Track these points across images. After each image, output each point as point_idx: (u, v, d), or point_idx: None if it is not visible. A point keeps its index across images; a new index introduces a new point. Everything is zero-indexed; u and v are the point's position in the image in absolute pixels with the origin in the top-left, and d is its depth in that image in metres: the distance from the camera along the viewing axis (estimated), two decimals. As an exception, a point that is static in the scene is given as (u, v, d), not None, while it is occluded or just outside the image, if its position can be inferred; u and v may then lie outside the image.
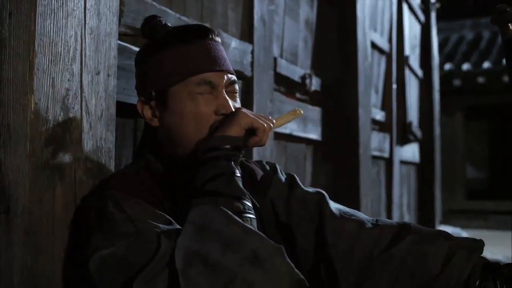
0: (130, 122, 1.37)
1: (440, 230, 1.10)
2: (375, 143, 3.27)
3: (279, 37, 2.33)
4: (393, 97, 3.76)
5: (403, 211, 4.22)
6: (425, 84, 4.96)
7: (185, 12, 1.61)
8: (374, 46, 3.36)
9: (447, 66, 7.78)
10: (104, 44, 1.09)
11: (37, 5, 0.93)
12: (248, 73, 1.91)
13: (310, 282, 1.09)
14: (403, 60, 4.05)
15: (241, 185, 0.93)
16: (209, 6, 1.75)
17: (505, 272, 0.99)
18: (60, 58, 0.98)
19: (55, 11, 0.97)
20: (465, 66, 7.72)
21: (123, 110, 1.21)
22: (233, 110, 1.00)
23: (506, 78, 5.95)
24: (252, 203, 0.95)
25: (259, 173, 1.18)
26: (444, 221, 5.68)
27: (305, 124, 2.49)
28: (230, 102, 1.01)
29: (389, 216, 3.64)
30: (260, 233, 0.82)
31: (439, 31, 6.10)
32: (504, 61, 1.13)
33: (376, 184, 3.43)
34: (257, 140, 0.96)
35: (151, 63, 1.03)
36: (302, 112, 1.09)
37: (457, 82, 7.74)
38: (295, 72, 2.42)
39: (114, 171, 1.12)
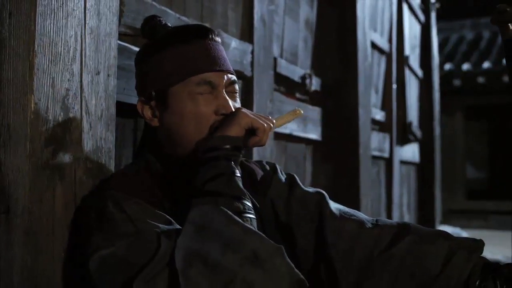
0: (130, 122, 1.37)
1: (440, 230, 1.10)
2: (375, 143, 3.27)
3: (279, 37, 2.33)
4: (393, 97, 3.76)
5: (403, 211, 4.22)
6: (425, 84, 4.96)
7: (185, 12, 1.61)
8: (374, 46, 3.36)
9: (447, 66, 7.78)
10: (104, 44, 1.09)
11: (37, 5, 0.93)
12: (248, 73, 1.91)
13: (310, 282, 1.09)
14: (403, 60, 4.05)
15: (241, 185, 0.93)
16: (209, 6, 1.76)
17: (505, 272, 0.99)
18: (60, 58, 0.98)
19: (55, 11, 0.97)
20: (465, 66, 7.73)
21: (123, 110, 1.21)
22: (233, 110, 1.00)
23: (506, 78, 5.95)
24: (252, 203, 0.95)
25: (259, 173, 1.18)
26: (444, 221, 5.68)
27: (305, 124, 2.49)
28: (230, 102, 1.01)
29: (389, 216, 3.64)
30: (260, 233, 0.82)
31: (439, 31, 6.10)
32: (504, 61, 1.13)
33: (376, 184, 3.43)
34: (257, 140, 0.96)
35: (151, 63, 1.03)
36: (302, 112, 1.09)
37: (457, 82, 7.74)
38: (295, 72, 2.42)
39: (114, 171, 1.12)
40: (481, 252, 1.04)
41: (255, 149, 1.86)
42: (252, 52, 1.93)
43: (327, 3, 2.81)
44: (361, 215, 1.14)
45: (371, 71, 3.22)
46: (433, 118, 4.99)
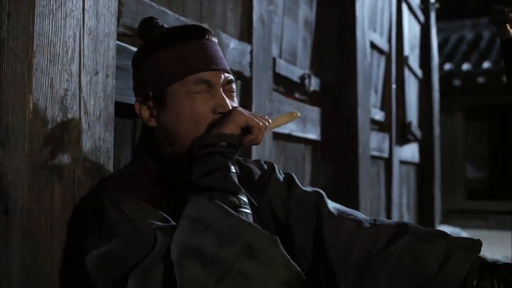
0: (129, 122, 1.37)
1: (437, 230, 1.11)
2: (374, 143, 3.28)
3: (278, 37, 2.33)
4: (393, 97, 3.76)
5: (403, 211, 4.22)
6: (424, 84, 4.96)
7: (184, 13, 1.61)
8: (373, 46, 3.36)
9: (447, 66, 7.78)
10: (102, 44, 1.10)
11: (35, 6, 0.93)
12: (247, 73, 1.91)
13: (308, 282, 1.10)
14: (402, 60, 4.05)
15: (236, 180, 0.94)
16: (208, 6, 1.76)
17: (503, 272, 0.99)
18: (58, 58, 0.98)
19: (54, 11, 0.97)
20: (465, 66, 7.73)
21: (122, 110, 1.22)
22: (231, 109, 1.00)
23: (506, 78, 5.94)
24: (249, 200, 0.95)
25: (257, 172, 1.18)
26: (444, 221, 5.68)
27: (304, 124, 2.49)
28: (228, 101, 1.01)
29: (389, 216, 3.65)
30: (255, 225, 0.82)
31: (439, 31, 6.11)
32: (503, 61, 1.14)
33: (375, 184, 3.43)
34: (253, 138, 0.97)
35: (148, 63, 1.04)
36: (299, 114, 1.09)
37: (457, 82, 7.74)
38: (294, 72, 2.42)
39: (113, 171, 1.13)
40: (479, 252, 1.04)
41: (254, 149, 1.86)
42: (251, 52, 1.94)
43: (326, 3, 2.81)
44: (359, 214, 1.15)
45: (370, 71, 3.22)
46: (432, 118, 4.99)
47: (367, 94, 3.03)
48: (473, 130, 8.35)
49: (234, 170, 0.95)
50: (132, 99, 1.13)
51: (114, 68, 1.14)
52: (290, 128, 2.32)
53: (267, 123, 0.99)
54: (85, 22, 1.05)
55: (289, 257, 0.78)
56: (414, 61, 4.57)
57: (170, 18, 1.47)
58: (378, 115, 3.51)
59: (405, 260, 1.05)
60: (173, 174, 1.03)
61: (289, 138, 2.38)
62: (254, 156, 1.85)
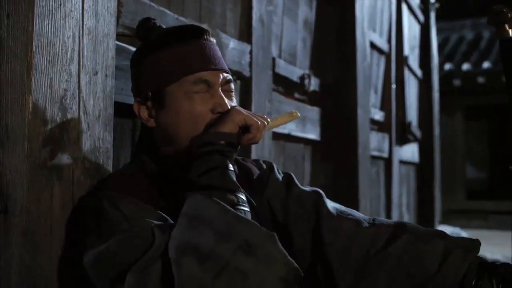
0: (129, 122, 1.37)
1: (436, 230, 1.11)
2: (374, 143, 3.28)
3: (277, 37, 2.33)
4: (392, 97, 3.76)
5: (402, 211, 4.22)
6: (424, 84, 4.97)
7: (183, 13, 1.62)
8: (373, 46, 3.36)
9: (447, 66, 7.78)
10: (102, 44, 1.10)
11: (35, 6, 0.93)
12: (246, 73, 1.91)
13: (307, 281, 1.10)
14: (402, 60, 4.05)
15: (234, 178, 0.94)
16: (208, 7, 1.76)
17: (501, 272, 0.99)
18: (58, 58, 0.98)
19: (53, 12, 0.97)
20: (465, 66, 7.73)
21: (121, 110, 1.22)
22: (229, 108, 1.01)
23: (505, 78, 5.94)
24: (247, 199, 0.96)
25: (256, 172, 1.18)
26: (444, 221, 5.68)
27: (304, 124, 2.50)
28: (226, 101, 1.02)
29: (388, 216, 3.65)
30: (253, 221, 0.82)
31: (439, 31, 6.10)
32: (503, 61, 1.14)
33: (375, 184, 3.43)
34: (251, 137, 0.97)
35: (147, 63, 1.04)
36: (298, 114, 1.09)
37: (457, 82, 7.74)
38: (294, 72, 2.42)
39: (112, 171, 1.13)
40: (478, 252, 1.04)
41: (253, 149, 1.87)
42: (251, 53, 1.94)
43: (326, 3, 2.81)
44: (358, 214, 1.15)
45: (370, 71, 3.22)
46: (432, 118, 4.99)
47: (367, 94, 3.03)
48: (473, 130, 8.35)
49: (232, 169, 0.95)
50: (131, 99, 1.13)
51: (114, 68, 1.14)
52: (290, 128, 2.32)
53: (265, 122, 0.99)
54: (85, 22, 1.05)
55: (287, 253, 0.78)
56: (414, 61, 4.57)
57: (170, 18, 1.47)
58: (378, 115, 3.51)
59: (404, 260, 1.05)
60: (172, 174, 1.03)
61: (288, 138, 2.38)
62: (254, 156, 1.85)
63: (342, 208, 1.16)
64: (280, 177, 1.19)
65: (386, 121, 3.67)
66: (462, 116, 8.31)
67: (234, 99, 1.06)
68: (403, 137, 4.05)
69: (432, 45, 5.21)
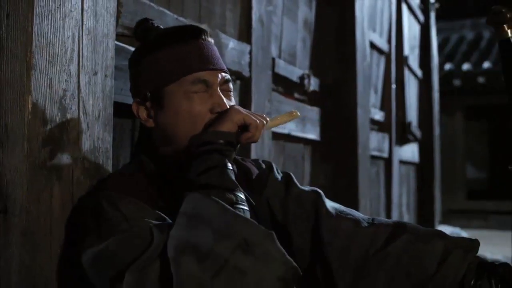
0: (128, 122, 1.37)
1: (436, 230, 1.11)
2: (374, 143, 3.28)
3: (277, 37, 2.33)
4: (392, 97, 3.77)
5: (402, 211, 4.22)
6: (424, 84, 4.97)
7: (183, 13, 1.62)
8: (373, 46, 3.36)
9: (447, 66, 7.78)
10: (101, 44, 1.10)
11: (34, 6, 0.93)
12: (246, 73, 1.92)
13: (306, 281, 1.10)
14: (402, 60, 4.06)
15: (233, 177, 0.94)
16: (207, 7, 1.76)
17: (500, 272, 0.99)
18: (57, 59, 0.98)
19: (53, 12, 0.97)
20: (465, 66, 7.73)
21: (121, 110, 1.22)
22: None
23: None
24: (246, 198, 0.96)
25: (255, 171, 1.18)
26: (444, 221, 5.68)
27: (304, 124, 2.50)
28: (225, 100, 1.02)
29: (388, 216, 3.65)
30: (252, 220, 0.82)
31: (439, 31, 6.10)
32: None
33: (375, 184, 3.43)
34: (250, 136, 0.97)
35: (145, 64, 1.04)
36: (298, 114, 1.09)
37: (457, 82, 7.74)
38: (294, 72, 2.42)
39: (112, 171, 1.13)
40: (477, 252, 1.05)
41: (253, 149, 1.87)
42: (250, 53, 1.94)
43: (325, 3, 2.81)
44: (357, 213, 1.15)
45: (370, 71, 3.22)
46: (432, 118, 4.99)
47: (366, 94, 3.03)
48: (473, 130, 8.35)
49: (231, 168, 0.95)
50: (131, 99, 1.13)
51: (113, 69, 1.14)
52: (290, 128, 2.32)
53: (264, 121, 0.99)
54: (84, 22, 1.05)
55: (285, 252, 0.78)
56: (414, 61, 4.57)
57: (169, 19, 1.47)
58: (378, 115, 3.51)
59: (404, 260, 1.05)
60: (171, 174, 1.03)
61: (288, 138, 2.38)
62: (253, 156, 1.85)
63: (341, 207, 1.16)
64: (279, 176, 1.19)
65: (386, 121, 3.67)
66: (462, 116, 8.31)
67: (232, 98, 1.06)
68: (403, 137, 4.06)
69: (432, 45, 5.21)
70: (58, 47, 0.99)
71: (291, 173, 1.20)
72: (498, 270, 0.99)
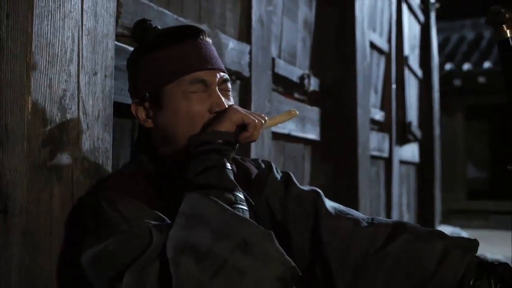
0: (128, 123, 1.37)
1: (435, 230, 1.11)
2: (374, 143, 3.28)
3: (277, 37, 2.33)
4: (393, 97, 3.76)
5: (403, 211, 4.22)
6: (424, 84, 4.96)
7: (182, 13, 1.62)
8: (373, 46, 3.36)
9: (448, 66, 7.78)
10: (101, 45, 1.10)
11: (34, 6, 0.93)
12: (246, 73, 1.92)
13: (306, 281, 1.10)
14: (402, 60, 4.06)
15: (232, 177, 0.94)
16: (207, 7, 1.76)
17: (500, 271, 0.99)
18: (57, 59, 0.99)
19: (52, 12, 0.98)
20: (466, 66, 7.73)
21: (121, 110, 1.22)
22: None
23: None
24: (246, 198, 0.96)
25: (254, 171, 1.18)
26: (445, 221, 5.68)
27: (304, 124, 2.50)
28: (224, 100, 1.02)
29: (388, 216, 3.65)
30: (251, 220, 0.83)
31: (439, 31, 6.10)
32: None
33: (375, 184, 3.43)
34: (248, 135, 0.97)
35: (144, 64, 1.04)
36: (297, 113, 1.09)
37: (457, 82, 7.74)
38: (294, 72, 2.42)
39: (112, 171, 1.13)
40: (476, 252, 1.05)
41: (253, 149, 1.87)
42: (250, 53, 1.94)
43: (325, 3, 2.81)
44: (356, 213, 1.15)
45: (370, 71, 3.22)
46: (432, 118, 4.99)
47: (366, 94, 3.03)
48: (474, 130, 8.35)
49: (230, 167, 0.95)
50: (130, 100, 1.13)
51: (113, 69, 1.14)
52: (290, 128, 2.32)
53: (263, 121, 0.99)
54: (84, 23, 1.05)
55: (284, 252, 0.78)
56: (414, 61, 4.57)
57: (169, 19, 1.47)
58: (378, 115, 3.51)
59: (403, 259, 1.05)
60: (170, 174, 1.03)
61: (288, 138, 2.38)
62: (253, 156, 1.85)
63: (341, 207, 1.16)
64: (278, 176, 1.19)
65: (386, 121, 3.67)
66: (462, 116, 8.31)
67: (231, 98, 1.06)
68: (403, 137, 4.06)
69: (432, 45, 5.21)
70: (58, 48, 0.99)
71: (290, 173, 1.20)
72: (498, 270, 0.99)
